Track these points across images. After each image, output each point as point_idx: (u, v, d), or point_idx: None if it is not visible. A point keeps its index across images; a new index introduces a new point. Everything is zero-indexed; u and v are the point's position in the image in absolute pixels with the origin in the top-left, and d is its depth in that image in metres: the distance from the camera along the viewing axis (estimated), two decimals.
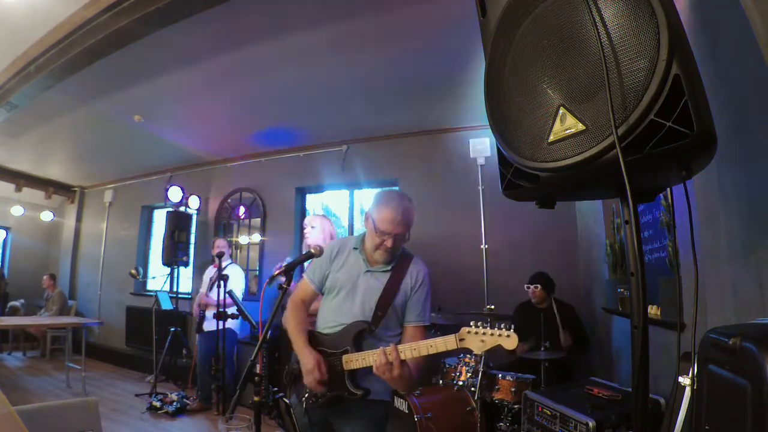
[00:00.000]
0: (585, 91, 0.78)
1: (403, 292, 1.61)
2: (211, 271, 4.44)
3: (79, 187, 7.51)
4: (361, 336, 1.53)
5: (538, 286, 3.25)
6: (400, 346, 1.39)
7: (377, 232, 1.56)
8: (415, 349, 1.36)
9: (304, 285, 1.77)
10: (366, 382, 1.49)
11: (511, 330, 1.23)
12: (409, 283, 1.62)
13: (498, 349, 1.25)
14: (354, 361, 1.47)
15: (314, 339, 1.61)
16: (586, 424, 1.90)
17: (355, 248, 1.69)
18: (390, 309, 1.58)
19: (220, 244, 4.40)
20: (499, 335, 1.24)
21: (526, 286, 3.31)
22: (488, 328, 1.26)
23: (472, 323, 1.29)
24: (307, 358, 1.52)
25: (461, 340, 1.29)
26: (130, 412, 3.92)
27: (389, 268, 1.63)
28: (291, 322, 1.66)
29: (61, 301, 6.30)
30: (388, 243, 1.55)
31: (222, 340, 3.90)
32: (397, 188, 4.63)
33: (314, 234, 3.04)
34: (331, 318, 1.63)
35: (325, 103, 4.08)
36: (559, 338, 3.04)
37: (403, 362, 1.37)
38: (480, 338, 1.26)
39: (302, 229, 3.24)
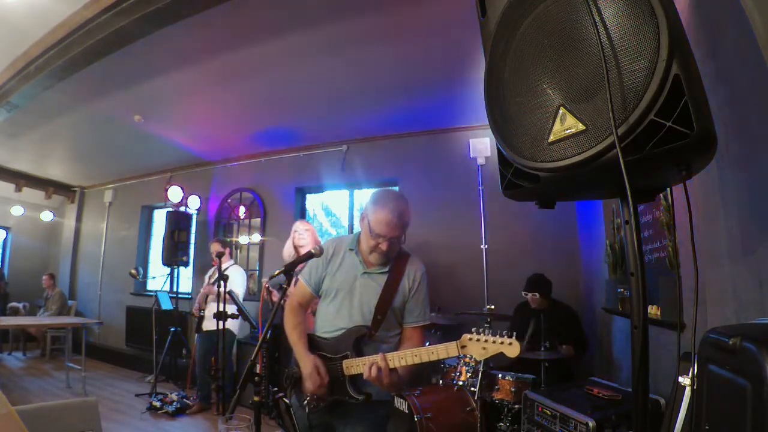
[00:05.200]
0: (585, 91, 0.78)
1: (401, 293, 1.59)
2: (212, 271, 4.43)
3: (79, 187, 7.51)
4: (361, 341, 1.52)
5: (536, 294, 3.22)
6: (400, 353, 1.38)
7: (372, 234, 1.54)
8: (416, 355, 1.35)
9: (300, 288, 1.74)
10: (368, 386, 1.48)
11: (513, 337, 1.22)
12: (407, 284, 1.60)
13: (499, 355, 1.24)
14: (354, 366, 1.46)
15: (313, 343, 1.60)
16: (586, 424, 1.90)
17: (350, 249, 1.66)
18: (389, 311, 1.57)
19: (214, 248, 4.37)
20: (501, 343, 1.23)
21: (523, 293, 3.27)
22: (490, 336, 1.25)
23: (474, 330, 1.28)
24: (305, 363, 1.51)
25: (463, 347, 1.28)
26: (130, 412, 3.92)
27: (386, 269, 1.60)
28: (289, 326, 1.65)
29: (60, 301, 6.30)
30: (383, 246, 1.53)
31: (221, 340, 3.89)
32: (396, 188, 4.64)
33: (306, 237, 3.17)
34: (330, 322, 1.61)
35: (325, 103, 4.08)
36: (557, 339, 3.03)
37: (392, 370, 1.37)
38: (482, 345, 1.25)
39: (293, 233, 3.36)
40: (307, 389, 1.51)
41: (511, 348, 1.21)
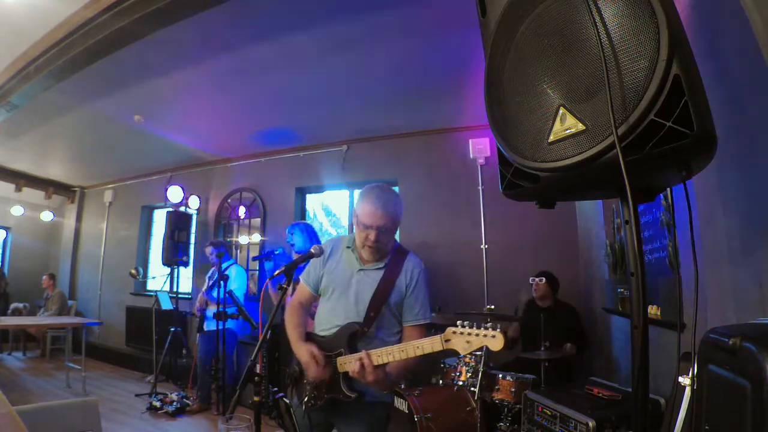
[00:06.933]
0: (585, 91, 0.78)
1: (397, 290, 1.58)
2: (212, 272, 4.43)
3: (79, 187, 7.51)
4: (354, 337, 1.51)
5: (543, 279, 3.26)
6: (387, 348, 1.37)
7: (360, 226, 1.55)
8: (403, 350, 1.34)
9: (300, 288, 1.76)
10: (361, 385, 1.47)
11: (498, 330, 1.19)
12: (404, 281, 1.59)
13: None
14: (347, 363, 1.45)
15: (312, 341, 1.60)
16: (586, 424, 1.90)
17: (348, 247, 1.67)
18: (384, 308, 1.56)
19: (208, 251, 4.35)
20: (485, 335, 1.20)
21: (531, 279, 3.31)
22: (474, 328, 1.22)
23: (458, 323, 1.25)
24: (301, 353, 1.52)
25: (447, 341, 1.25)
26: (130, 412, 3.92)
27: (382, 265, 1.60)
28: (290, 327, 1.66)
29: (60, 301, 6.30)
30: (371, 236, 1.52)
31: (222, 340, 3.90)
32: (396, 188, 4.64)
33: (296, 240, 3.17)
34: (326, 320, 1.62)
35: (325, 103, 4.08)
36: (558, 338, 3.03)
37: (377, 368, 1.36)
38: (465, 339, 1.22)
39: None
40: (308, 378, 1.51)
41: (495, 341, 1.18)
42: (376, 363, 1.36)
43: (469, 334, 1.22)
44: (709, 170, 0.90)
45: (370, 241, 1.54)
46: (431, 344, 1.29)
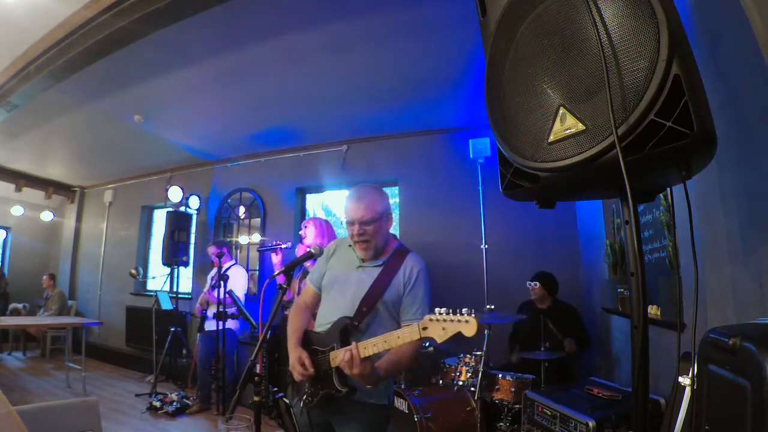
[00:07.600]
0: (585, 91, 0.78)
1: (395, 288, 1.58)
2: (213, 272, 4.43)
3: (79, 187, 7.51)
4: (346, 332, 1.51)
5: (537, 283, 3.26)
6: (372, 340, 1.36)
7: (347, 224, 1.59)
8: (385, 341, 1.33)
9: (307, 287, 1.79)
10: (355, 382, 1.47)
11: (472, 315, 1.18)
12: (402, 279, 1.59)
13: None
14: (339, 356, 1.44)
15: (309, 338, 1.61)
16: (586, 424, 1.90)
17: (350, 246, 1.69)
18: (379, 304, 1.55)
19: (211, 251, 4.35)
20: (459, 321, 1.18)
21: (527, 282, 3.32)
22: (450, 315, 1.21)
23: (436, 310, 1.24)
24: (291, 356, 1.55)
25: (424, 328, 1.25)
26: (130, 412, 3.92)
27: (381, 263, 1.61)
28: (289, 326, 1.66)
29: (60, 301, 6.30)
30: (354, 230, 1.56)
31: (222, 340, 3.90)
32: (396, 188, 4.67)
33: (308, 234, 3.13)
34: (324, 316, 1.63)
35: (325, 103, 4.08)
36: (559, 339, 3.04)
37: (364, 360, 1.35)
38: (441, 326, 1.21)
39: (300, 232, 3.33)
40: (294, 378, 1.54)
41: (468, 326, 1.17)
42: (363, 355, 1.35)
43: (445, 320, 1.21)
44: (709, 170, 0.90)
45: (355, 236, 1.57)
46: (410, 333, 1.28)
